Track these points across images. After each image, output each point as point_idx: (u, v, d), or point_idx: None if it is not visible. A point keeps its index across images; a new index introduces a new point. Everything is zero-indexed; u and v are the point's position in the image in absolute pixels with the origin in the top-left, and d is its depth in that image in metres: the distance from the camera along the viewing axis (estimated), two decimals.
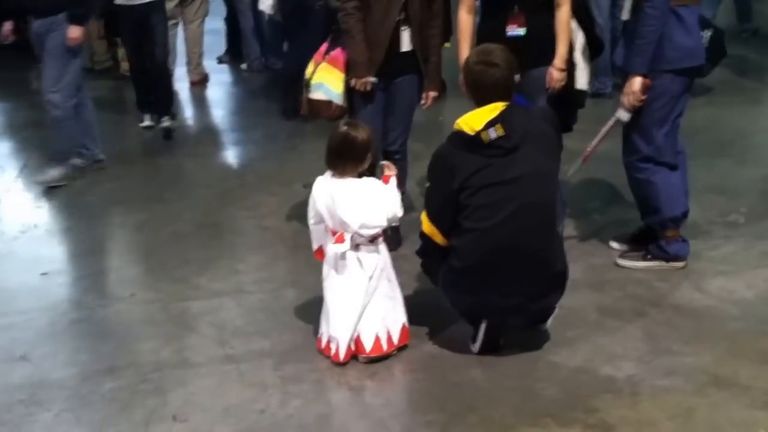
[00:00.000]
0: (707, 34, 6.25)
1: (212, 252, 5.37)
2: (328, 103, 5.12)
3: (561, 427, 3.60)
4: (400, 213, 4.14)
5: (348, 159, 4.05)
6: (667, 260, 4.83)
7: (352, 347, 4.11)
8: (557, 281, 4.07)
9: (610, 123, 4.79)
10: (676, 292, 4.62)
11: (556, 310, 4.14)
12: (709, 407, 3.69)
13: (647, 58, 4.54)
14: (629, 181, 4.89)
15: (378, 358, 4.11)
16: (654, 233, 4.87)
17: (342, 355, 4.09)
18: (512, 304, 3.99)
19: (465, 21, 5.00)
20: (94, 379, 4.06)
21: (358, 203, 4.00)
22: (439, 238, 4.04)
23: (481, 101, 3.96)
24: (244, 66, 10.13)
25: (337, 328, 4.09)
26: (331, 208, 4.03)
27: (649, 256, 4.86)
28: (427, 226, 4.06)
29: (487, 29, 4.96)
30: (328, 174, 4.10)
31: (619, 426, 3.59)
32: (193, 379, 4.04)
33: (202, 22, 9.49)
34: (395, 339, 4.16)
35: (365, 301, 4.09)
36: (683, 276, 4.76)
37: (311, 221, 4.18)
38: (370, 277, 4.08)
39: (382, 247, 4.17)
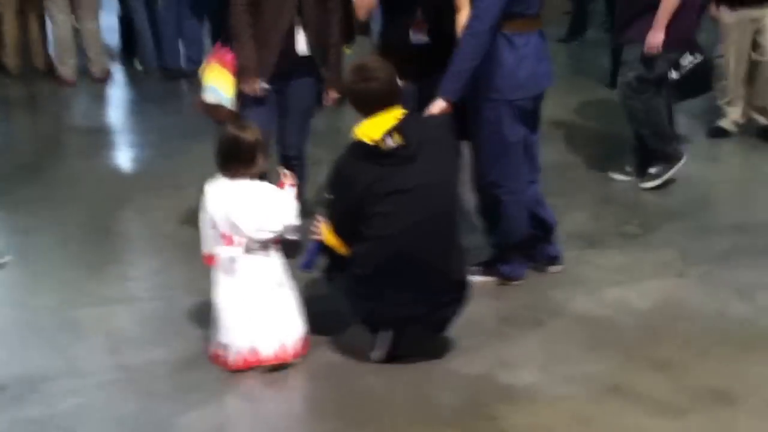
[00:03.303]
0: (693, 59, 6.14)
1: (103, 257, 5.23)
2: (218, 106, 4.99)
3: None
4: (295, 221, 4.08)
5: (237, 161, 3.99)
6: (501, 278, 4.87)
7: (249, 357, 4.02)
8: (458, 291, 4.08)
9: None
10: (573, 301, 4.66)
11: (456, 319, 4.13)
12: (605, 415, 3.73)
13: (460, 87, 4.42)
14: (477, 203, 4.89)
15: (276, 368, 4.04)
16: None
17: (234, 363, 4.00)
18: (412, 313, 3.98)
19: None
20: None
21: (252, 207, 3.95)
22: (341, 248, 4.01)
23: (369, 113, 3.96)
24: (138, 65, 9.92)
25: (228, 335, 4.01)
26: (223, 211, 3.96)
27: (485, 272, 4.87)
28: (329, 237, 4.03)
29: (389, 36, 4.95)
30: (219, 176, 4.03)
31: None
32: (85, 389, 3.92)
33: (96, 17, 9.27)
34: (293, 348, 4.08)
35: (257, 308, 4.01)
36: (580, 285, 4.81)
37: (203, 225, 4.09)
38: (262, 284, 4.02)
39: (275, 253, 4.10)
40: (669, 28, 5.78)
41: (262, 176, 4.10)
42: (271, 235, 4.00)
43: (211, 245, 4.07)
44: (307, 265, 4.18)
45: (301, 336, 4.12)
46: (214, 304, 4.08)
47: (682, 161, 6.11)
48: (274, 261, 4.08)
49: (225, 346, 4.03)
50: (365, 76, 3.97)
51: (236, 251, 3.97)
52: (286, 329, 4.07)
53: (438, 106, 4.44)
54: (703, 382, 3.95)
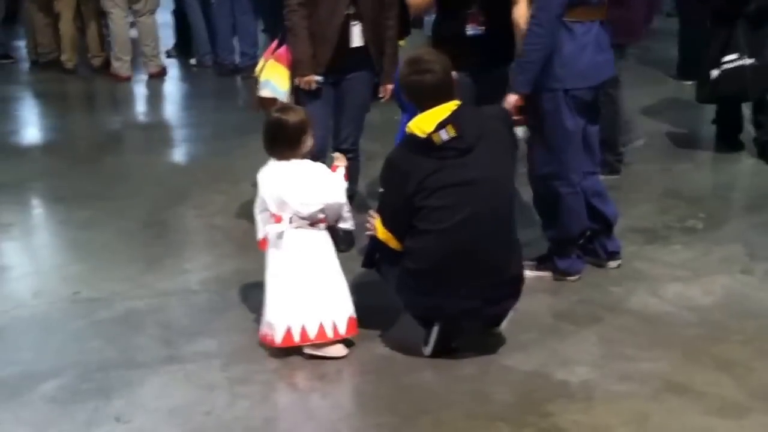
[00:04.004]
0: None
1: (159, 250, 5.24)
2: (274, 100, 5.00)
3: (513, 431, 3.53)
4: (341, 199, 4.09)
5: (283, 143, 4.05)
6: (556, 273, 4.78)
7: (294, 334, 4.01)
8: (513, 286, 4.02)
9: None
10: (633, 297, 4.57)
11: (511, 314, 4.07)
12: (663, 413, 3.63)
13: (530, 78, 4.39)
14: (533, 196, 4.82)
15: (321, 346, 4.03)
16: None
17: (279, 339, 4.00)
18: (466, 308, 3.92)
19: None
20: (35, 378, 3.92)
21: (298, 182, 4.00)
22: (393, 243, 3.97)
23: (425, 108, 3.90)
24: (193, 61, 9.99)
25: (275, 311, 4.03)
26: (273, 191, 4.02)
27: (541, 266, 4.80)
28: (381, 231, 3.99)
29: (444, 29, 4.90)
30: (271, 161, 4.09)
31: (572, 430, 3.52)
32: (138, 379, 3.92)
33: (153, 14, 9.36)
34: (341, 329, 4.06)
35: (303, 283, 4.01)
36: (640, 281, 4.71)
37: (257, 210, 4.15)
38: (309, 259, 4.03)
39: (324, 234, 4.11)
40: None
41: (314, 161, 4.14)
42: (316, 209, 4.02)
43: (264, 229, 4.12)
44: (368, 263, 4.20)
45: (348, 317, 4.09)
46: (265, 284, 4.09)
47: None
48: (322, 239, 4.09)
49: (271, 325, 4.03)
50: (420, 69, 3.92)
51: (282, 226, 4.01)
52: (332, 308, 4.06)
53: (511, 100, 4.41)
54: (766, 381, 3.84)
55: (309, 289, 4.02)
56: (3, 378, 3.94)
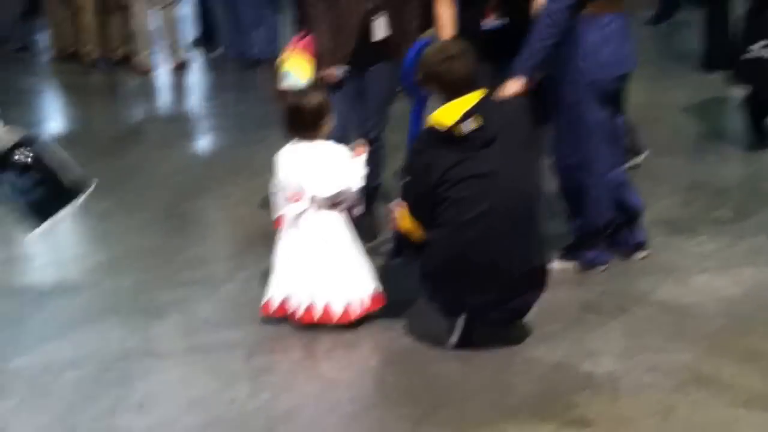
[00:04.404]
0: None
1: (180, 241, 5.23)
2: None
3: (538, 422, 3.51)
4: (360, 184, 4.15)
5: (301, 126, 4.11)
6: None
7: (317, 313, 4.09)
8: (537, 277, 3.99)
9: None
10: (659, 288, 4.52)
11: (536, 305, 4.03)
12: (689, 405, 3.60)
13: (532, 65, 4.37)
14: (559, 187, 4.77)
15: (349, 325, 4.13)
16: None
17: (301, 313, 4.09)
18: (490, 300, 3.90)
19: (445, 13, 4.87)
20: (58, 366, 3.93)
21: (316, 166, 4.05)
22: (417, 233, 3.95)
23: (452, 97, 3.87)
24: (216, 52, 9.97)
25: (293, 284, 4.11)
26: (291, 172, 4.09)
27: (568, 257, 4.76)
28: (405, 221, 3.97)
29: (465, 21, 4.85)
30: (291, 143, 4.15)
31: (597, 422, 3.50)
32: (160, 369, 3.94)
33: (175, 5, 9.35)
34: (363, 304, 4.15)
35: (320, 262, 4.08)
36: (666, 272, 4.66)
37: (273, 189, 4.22)
38: (326, 239, 4.09)
39: (344, 216, 4.16)
40: None
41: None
42: (334, 192, 4.05)
43: (279, 207, 4.20)
44: (397, 253, 4.22)
45: (369, 294, 4.16)
46: (274, 259, 4.18)
47: None
48: (341, 222, 4.14)
49: (290, 296, 4.12)
50: (448, 56, 3.90)
51: (302, 206, 4.08)
52: (359, 288, 4.13)
53: (511, 86, 4.37)
54: None
55: (325, 269, 4.10)
56: (26, 367, 3.95)
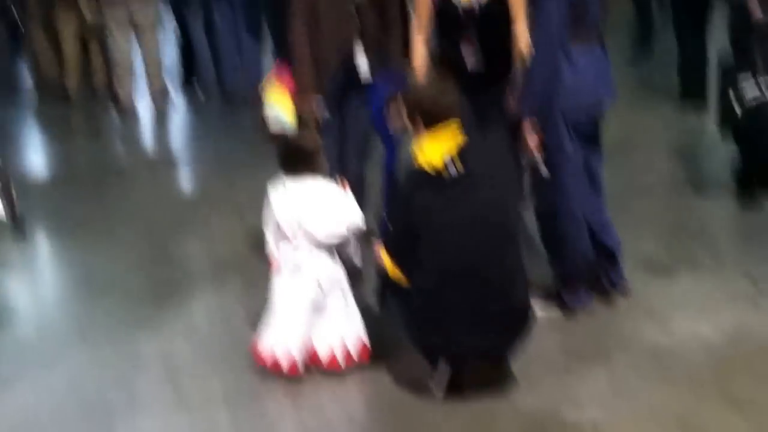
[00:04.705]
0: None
1: (163, 285, 5.19)
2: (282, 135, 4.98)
3: None
4: (360, 222, 4.15)
5: (298, 163, 4.13)
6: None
7: (304, 358, 4.09)
8: (522, 321, 3.98)
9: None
10: (641, 332, 4.52)
11: (520, 350, 4.03)
12: None
13: (536, 104, 4.35)
14: (538, 229, 4.77)
15: (337, 373, 4.12)
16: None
17: (288, 366, 4.05)
18: (474, 344, 3.89)
19: (420, 46, 4.89)
20: (37, 421, 3.91)
21: (319, 210, 4.05)
22: (399, 276, 3.94)
23: (434, 124, 3.86)
24: (197, 85, 9.95)
25: (283, 334, 4.07)
26: (290, 215, 4.06)
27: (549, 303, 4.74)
28: (386, 262, 3.96)
29: (441, 51, 4.88)
30: (284, 180, 4.14)
31: None
32: (143, 421, 3.91)
33: (156, 36, 9.33)
34: (353, 354, 4.14)
35: (315, 309, 4.08)
36: (647, 315, 4.66)
37: (268, 232, 4.21)
38: (322, 286, 4.07)
39: (336, 259, 4.15)
40: None
41: None
42: (338, 239, 4.06)
43: (274, 247, 4.18)
44: (381, 296, 4.19)
45: (362, 343, 4.14)
46: (270, 305, 4.15)
47: None
48: (336, 266, 4.13)
49: (277, 347, 4.07)
50: (436, 88, 3.92)
51: (300, 253, 4.05)
52: (346, 335, 4.14)
53: (528, 129, 4.35)
54: None
55: (323, 318, 4.11)
56: (6, 420, 3.91)
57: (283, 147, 4.23)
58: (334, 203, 4.09)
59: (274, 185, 4.17)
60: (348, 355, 4.12)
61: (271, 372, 4.10)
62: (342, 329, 4.12)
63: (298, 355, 4.06)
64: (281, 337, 4.07)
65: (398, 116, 4.89)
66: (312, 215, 4.04)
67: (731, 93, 5.73)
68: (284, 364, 4.06)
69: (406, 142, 4.87)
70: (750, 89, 5.64)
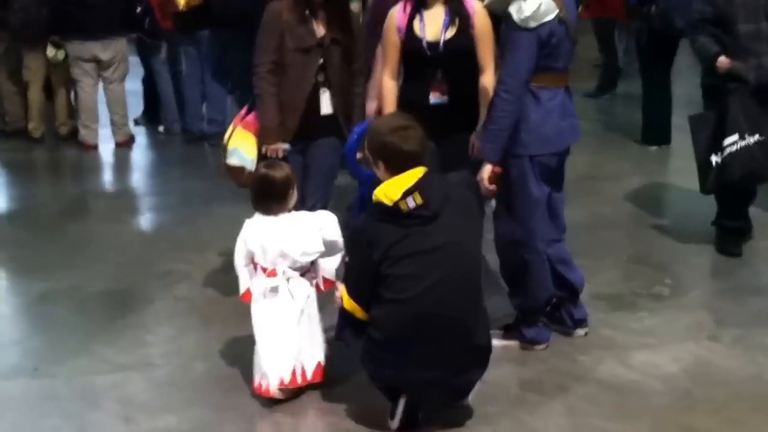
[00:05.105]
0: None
1: (120, 322, 5.12)
2: (242, 168, 4.98)
3: None
4: (338, 235, 4.23)
5: (271, 199, 4.19)
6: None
7: (286, 381, 4.16)
8: (480, 355, 3.95)
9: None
10: (600, 365, 4.51)
11: (478, 385, 4.00)
12: None
13: (500, 146, 4.37)
14: (500, 263, 4.78)
15: (290, 392, 4.19)
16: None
17: (274, 388, 4.13)
18: (433, 379, 3.84)
19: (389, 86, 4.90)
20: None
21: (294, 233, 4.13)
22: (359, 312, 3.92)
23: (397, 170, 3.85)
24: (161, 128, 9.94)
25: (270, 362, 4.13)
26: (265, 244, 4.13)
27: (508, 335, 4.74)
28: (347, 301, 3.95)
29: (409, 95, 4.88)
30: (257, 215, 4.21)
31: None
32: None
33: (122, 82, 9.33)
34: (308, 374, 4.21)
35: (297, 332, 4.16)
36: (607, 349, 4.66)
37: (240, 263, 4.25)
38: (302, 310, 4.18)
39: (309, 283, 4.25)
40: None
41: None
42: (316, 256, 4.15)
43: (247, 282, 4.25)
44: (340, 335, 4.17)
45: (318, 364, 4.25)
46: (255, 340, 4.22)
47: None
48: (309, 288, 4.24)
49: (264, 375, 4.14)
50: (401, 131, 3.88)
51: (277, 281, 4.14)
52: (305, 356, 4.21)
53: (487, 170, 4.39)
54: None
55: (298, 336, 4.17)
56: None
57: (255, 180, 4.30)
58: (308, 225, 4.17)
59: (248, 221, 4.21)
60: (304, 375, 4.19)
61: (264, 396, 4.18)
62: (303, 351, 4.18)
63: (287, 375, 4.15)
64: (266, 365, 4.14)
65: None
66: (293, 242, 4.12)
67: (714, 160, 5.69)
68: (272, 388, 4.14)
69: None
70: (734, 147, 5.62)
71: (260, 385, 4.17)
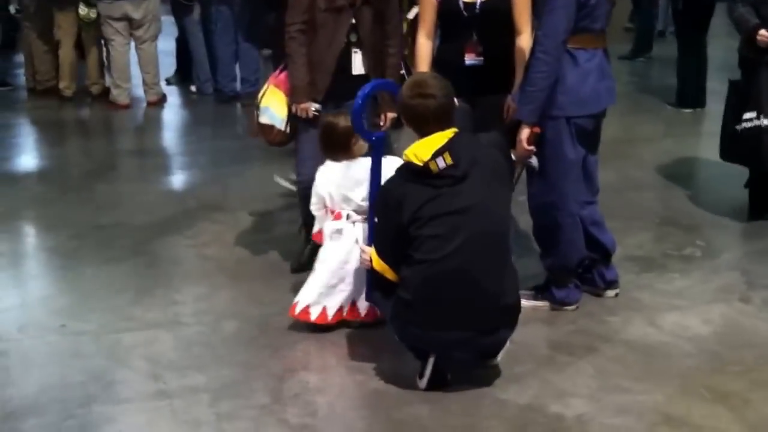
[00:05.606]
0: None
1: (148, 281, 5.14)
2: (271, 127, 4.98)
3: None
4: None
5: (335, 146, 4.43)
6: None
7: (344, 313, 4.44)
8: (509, 315, 3.93)
9: (518, 169, 4.66)
10: (629, 327, 4.49)
11: (507, 345, 3.99)
12: None
13: (537, 107, 4.31)
14: (533, 225, 4.74)
15: (371, 324, 4.43)
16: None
17: (330, 316, 4.40)
18: (461, 338, 3.84)
19: (424, 46, 4.87)
20: (17, 416, 3.83)
21: (357, 179, 4.32)
22: (390, 273, 3.92)
23: (424, 133, 3.83)
24: (193, 88, 9.95)
25: (326, 293, 4.39)
26: (331, 189, 4.40)
27: (538, 296, 4.73)
28: (377, 262, 3.94)
29: (444, 56, 4.87)
30: (327, 162, 4.48)
31: None
32: (123, 415, 3.84)
33: (154, 41, 9.33)
34: (361, 312, 4.46)
35: (356, 272, 4.35)
36: (636, 310, 4.64)
37: (314, 207, 4.55)
38: (357, 250, 4.31)
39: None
40: None
41: None
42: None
43: (320, 223, 4.55)
44: (369, 296, 4.25)
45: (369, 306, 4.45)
46: (314, 271, 4.48)
47: None
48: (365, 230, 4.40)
49: (317, 303, 4.40)
50: (423, 93, 3.85)
51: (341, 223, 4.39)
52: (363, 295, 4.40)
53: (526, 132, 4.35)
54: (763, 413, 3.76)
55: (356, 276, 4.36)
56: None
57: (321, 128, 4.52)
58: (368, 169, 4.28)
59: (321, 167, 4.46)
60: (355, 312, 4.44)
61: (302, 321, 4.44)
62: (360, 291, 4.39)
63: (327, 309, 4.40)
64: (322, 296, 4.39)
65: (374, 115, 4.90)
66: (357, 188, 4.32)
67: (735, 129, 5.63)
68: (317, 317, 4.40)
69: (388, 141, 4.88)
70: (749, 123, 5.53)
71: (305, 309, 4.39)
